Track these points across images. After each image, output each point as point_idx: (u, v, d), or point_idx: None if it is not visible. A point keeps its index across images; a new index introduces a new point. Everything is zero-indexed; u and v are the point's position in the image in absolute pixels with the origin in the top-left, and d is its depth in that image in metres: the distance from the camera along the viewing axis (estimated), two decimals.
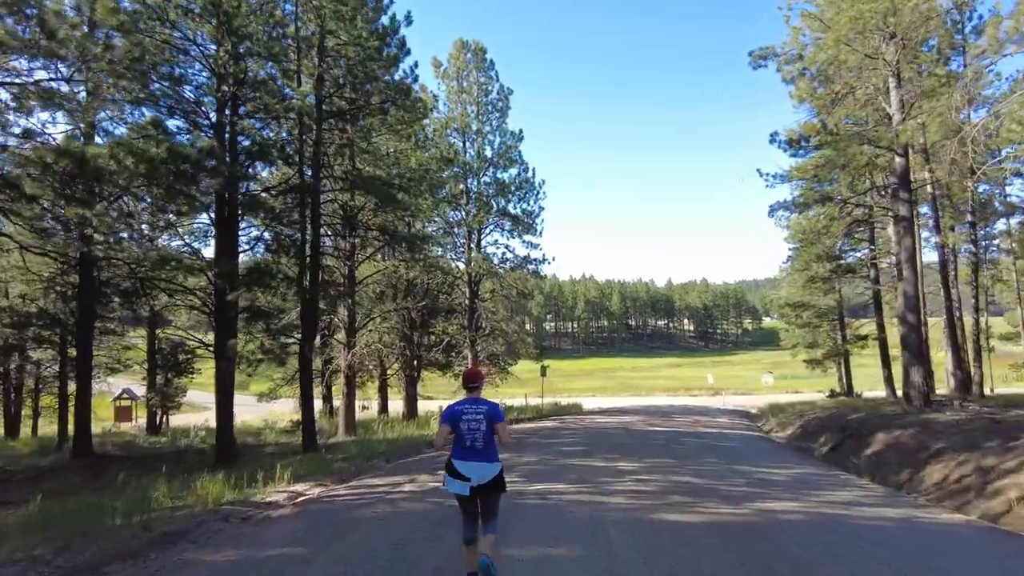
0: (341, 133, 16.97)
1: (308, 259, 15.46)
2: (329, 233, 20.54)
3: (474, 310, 26.20)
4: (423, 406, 36.20)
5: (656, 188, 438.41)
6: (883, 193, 17.76)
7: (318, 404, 32.74)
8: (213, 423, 29.10)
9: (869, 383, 38.66)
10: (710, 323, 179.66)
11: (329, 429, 23.09)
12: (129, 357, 28.92)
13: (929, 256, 24.02)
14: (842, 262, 20.86)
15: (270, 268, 12.54)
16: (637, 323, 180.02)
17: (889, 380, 20.11)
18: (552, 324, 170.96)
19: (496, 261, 27.21)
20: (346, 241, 20.14)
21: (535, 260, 27.35)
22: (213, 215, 13.68)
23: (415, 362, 29.09)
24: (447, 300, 28.30)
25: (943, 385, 20.93)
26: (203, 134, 13.62)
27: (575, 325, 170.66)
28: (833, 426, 15.92)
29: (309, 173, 15.29)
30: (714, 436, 17.58)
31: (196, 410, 42.92)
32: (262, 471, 9.38)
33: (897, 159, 13.22)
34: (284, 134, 15.59)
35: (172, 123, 14.10)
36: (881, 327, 19.59)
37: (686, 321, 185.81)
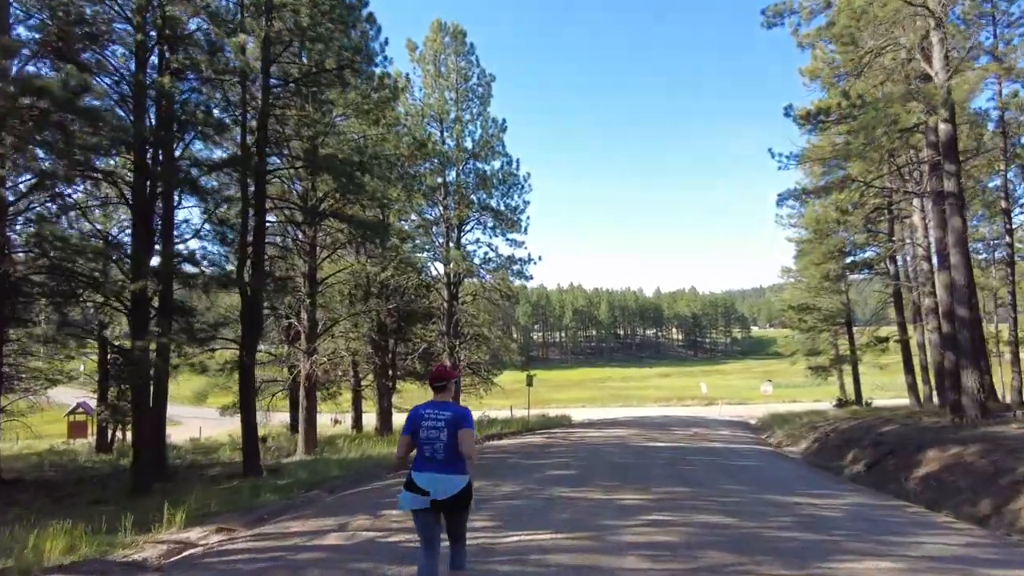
0: (299, 111, 14.73)
1: (251, 249, 13.17)
2: (284, 222, 18.23)
3: (453, 314, 23.89)
4: (400, 420, 33.76)
5: (644, 196, 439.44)
6: (906, 177, 15.85)
7: (283, 417, 30.29)
8: (177, 438, 26.57)
9: (869, 391, 36.77)
10: (699, 332, 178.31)
11: (288, 447, 20.64)
12: (73, 368, 26.24)
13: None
14: (856, 258, 18.81)
15: (193, 255, 10.19)
16: (626, 332, 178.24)
17: (913, 387, 18.07)
18: (540, 334, 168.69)
19: (478, 261, 25.01)
20: (305, 233, 17.85)
21: (520, 260, 25.14)
22: (130, 194, 11.32)
23: (389, 372, 26.74)
24: (425, 304, 26.01)
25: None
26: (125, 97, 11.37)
27: (563, 335, 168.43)
28: (861, 440, 13.78)
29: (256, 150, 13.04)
30: (723, 452, 15.41)
31: (170, 424, 39.83)
32: (173, 504, 7.09)
33: (942, 126, 11.25)
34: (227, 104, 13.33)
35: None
36: (903, 327, 17.56)
37: (675, 330, 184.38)
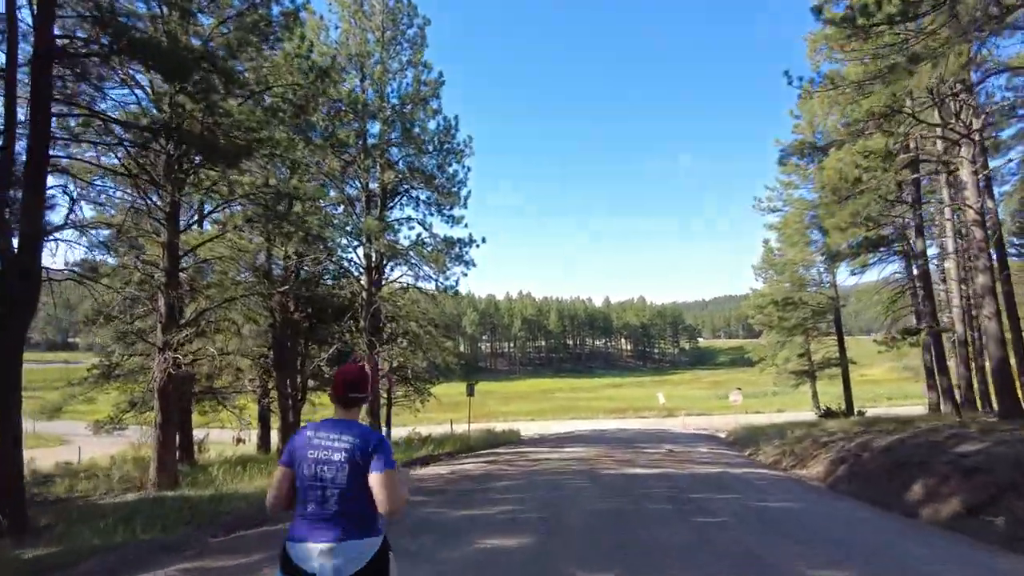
0: None
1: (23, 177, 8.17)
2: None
3: (373, 304, 19.02)
4: None
5: (595, 204, 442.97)
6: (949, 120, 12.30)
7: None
8: (43, 462, 20.26)
9: (831, 402, 33.87)
10: (648, 342, 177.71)
11: (141, 477, 15.23)
12: None
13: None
14: (872, 233, 15.16)
15: None
16: (575, 342, 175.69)
17: (949, 392, 14.50)
18: (488, 344, 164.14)
19: (406, 242, 20.30)
20: (157, 183, 12.76)
21: (460, 242, 20.52)
22: None
23: (297, 379, 21.69)
24: (345, 297, 21.11)
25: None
26: None
27: (512, 345, 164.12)
28: (929, 464, 9.80)
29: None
30: (730, 483, 11.22)
31: (53, 443, 32.53)
32: None
33: None
34: None
35: None
36: (934, 316, 14.05)
37: (624, 340, 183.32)
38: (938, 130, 12.09)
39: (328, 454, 2.42)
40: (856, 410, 22.14)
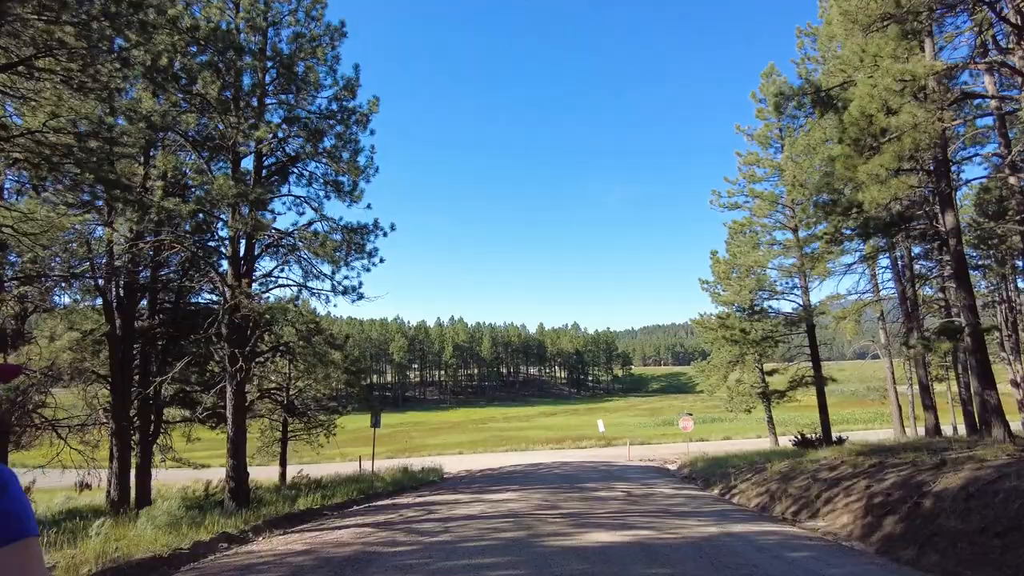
0: None
1: None
2: None
3: (239, 307, 13.96)
4: (174, 477, 22.51)
5: (530, 232, 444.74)
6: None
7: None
8: None
9: (803, 426, 31.03)
10: (582, 369, 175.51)
11: None
12: None
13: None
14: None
15: None
16: (509, 370, 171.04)
17: (998, 411, 11.02)
18: (417, 373, 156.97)
19: (285, 226, 15.54)
20: None
21: (362, 229, 15.89)
22: None
23: (143, 406, 16.42)
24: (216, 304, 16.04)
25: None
26: None
27: (443, 373, 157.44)
28: None
29: None
30: (764, 566, 7.07)
31: None
32: None
33: None
34: None
35: None
36: (973, 311, 10.64)
37: (558, 368, 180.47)
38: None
39: None
40: (837, 437, 18.84)
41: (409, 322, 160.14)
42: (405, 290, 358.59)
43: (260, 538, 9.63)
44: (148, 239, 14.97)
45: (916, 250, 16.86)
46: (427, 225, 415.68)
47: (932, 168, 11.22)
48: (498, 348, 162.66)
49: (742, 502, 14.24)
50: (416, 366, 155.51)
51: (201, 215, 14.90)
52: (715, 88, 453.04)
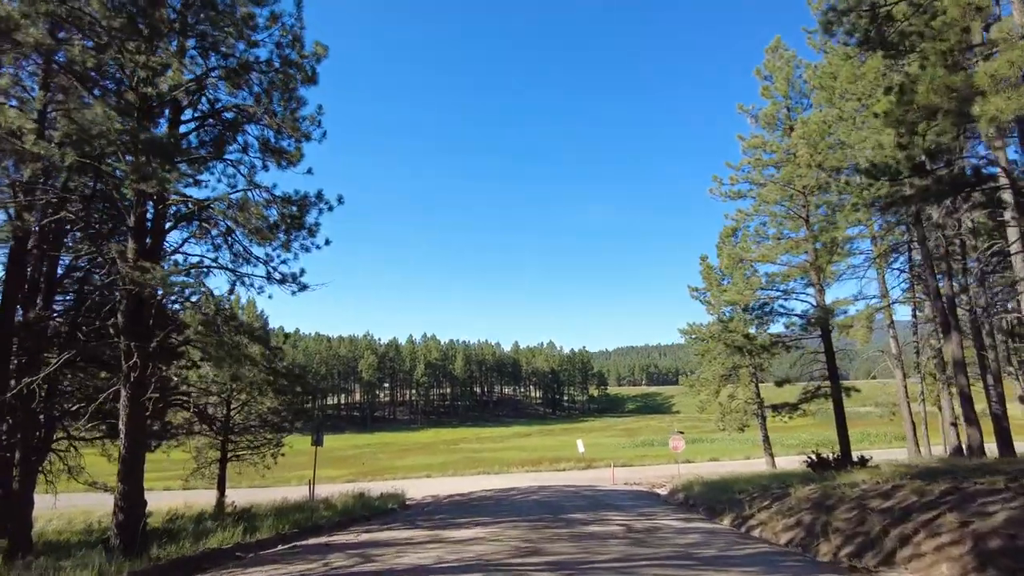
0: None
1: None
2: None
3: (140, 290, 10.77)
4: (84, 502, 18.87)
5: (504, 245, 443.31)
6: None
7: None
8: None
9: (790, 448, 28.55)
10: (557, 389, 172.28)
11: None
12: None
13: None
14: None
15: None
16: (483, 389, 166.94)
17: None
18: (387, 392, 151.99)
19: (211, 193, 12.45)
20: None
21: (301, 200, 12.88)
22: None
23: (27, 419, 13.11)
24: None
25: None
26: None
27: (414, 392, 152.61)
28: None
29: None
30: None
31: None
32: None
33: None
34: None
35: None
36: None
37: (533, 388, 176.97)
38: None
39: None
40: (861, 457, 16.29)
41: (380, 339, 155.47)
42: (376, 305, 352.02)
43: None
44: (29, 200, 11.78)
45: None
46: (398, 238, 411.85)
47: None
48: (472, 366, 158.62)
49: (767, 536, 11.45)
50: (387, 385, 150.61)
51: (97, 175, 11.80)
52: (697, 108, 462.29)
